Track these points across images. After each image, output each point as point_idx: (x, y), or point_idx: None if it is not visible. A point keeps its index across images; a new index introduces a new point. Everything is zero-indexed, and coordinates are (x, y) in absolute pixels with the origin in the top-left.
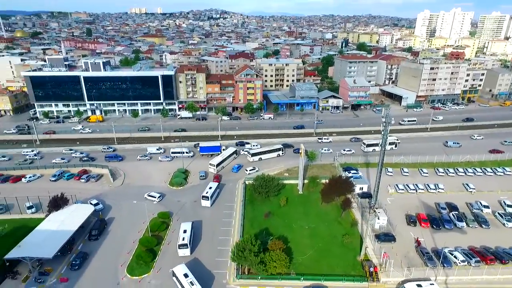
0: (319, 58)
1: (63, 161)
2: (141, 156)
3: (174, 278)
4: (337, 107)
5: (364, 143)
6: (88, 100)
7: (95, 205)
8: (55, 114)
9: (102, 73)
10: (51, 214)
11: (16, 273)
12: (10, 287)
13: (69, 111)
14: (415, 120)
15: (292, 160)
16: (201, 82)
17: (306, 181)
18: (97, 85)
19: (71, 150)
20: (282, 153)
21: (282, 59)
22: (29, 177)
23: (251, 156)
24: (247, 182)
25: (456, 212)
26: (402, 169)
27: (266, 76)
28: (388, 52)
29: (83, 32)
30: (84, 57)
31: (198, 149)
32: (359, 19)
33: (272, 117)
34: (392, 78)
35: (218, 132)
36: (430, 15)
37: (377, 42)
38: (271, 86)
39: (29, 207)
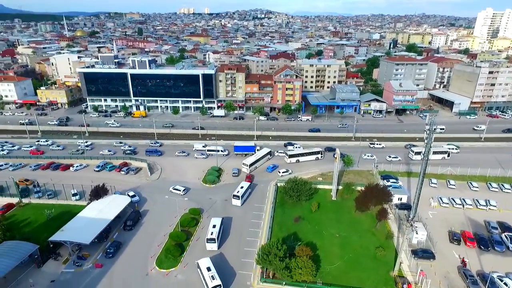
0: (363, 60)
1: (109, 153)
2: (179, 152)
3: (198, 269)
4: (380, 111)
5: (412, 150)
6: (133, 96)
7: (132, 197)
8: (104, 108)
9: (147, 71)
10: (92, 203)
11: (58, 255)
12: (52, 267)
13: (116, 106)
14: (443, 129)
15: (329, 165)
16: (240, 81)
17: (340, 187)
18: (142, 82)
19: (120, 143)
20: (321, 157)
21: (323, 60)
22: (76, 166)
23: (288, 157)
24: (279, 184)
25: (510, 234)
26: (448, 181)
27: (306, 77)
28: (441, 54)
29: (135, 32)
30: (134, 55)
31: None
32: (411, 19)
33: (310, 119)
34: (443, 82)
35: (254, 132)
36: (493, 13)
37: (430, 43)
38: (311, 87)
39: (74, 194)
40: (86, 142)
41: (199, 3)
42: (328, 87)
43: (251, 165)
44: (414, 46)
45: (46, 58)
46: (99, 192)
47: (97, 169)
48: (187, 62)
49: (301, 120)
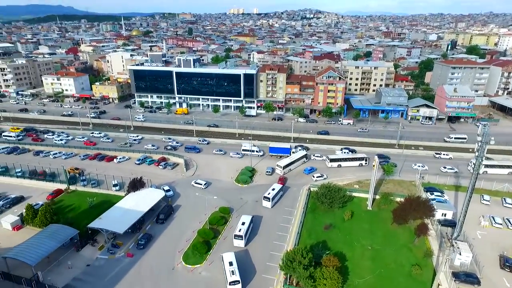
0: (416, 62)
1: (153, 147)
2: (216, 151)
3: (222, 263)
4: (430, 118)
5: (471, 162)
6: (177, 94)
7: (167, 191)
8: (150, 104)
9: (190, 69)
10: (129, 194)
11: (95, 241)
12: (89, 252)
13: (161, 102)
14: (465, 138)
15: (369, 172)
16: (281, 82)
17: (377, 196)
18: (186, 80)
19: (169, 139)
20: (366, 163)
21: (370, 62)
22: (119, 159)
23: (329, 161)
24: (312, 189)
25: None
26: (504, 199)
27: (351, 79)
28: (508, 57)
29: (185, 31)
30: (182, 54)
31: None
32: (475, 18)
33: (351, 123)
34: (508, 88)
35: (291, 134)
36: None
37: (495, 45)
38: (356, 90)
39: (114, 185)
40: (137, 136)
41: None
42: (373, 91)
43: (285, 167)
44: (476, 48)
45: (103, 55)
46: (136, 185)
47: (137, 162)
48: (230, 61)
49: (341, 124)
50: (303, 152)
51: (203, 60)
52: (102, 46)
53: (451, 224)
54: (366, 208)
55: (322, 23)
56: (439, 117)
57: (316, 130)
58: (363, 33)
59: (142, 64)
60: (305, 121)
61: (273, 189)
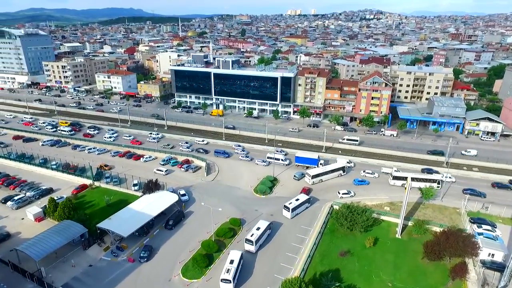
0: (485, 68)
1: (187, 149)
2: (243, 156)
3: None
4: (493, 134)
5: None
6: (214, 95)
7: (182, 195)
8: (188, 104)
9: (228, 71)
10: (143, 196)
11: (102, 241)
12: (94, 252)
13: (199, 103)
14: (357, 140)
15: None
16: (320, 86)
17: (410, 223)
18: (223, 82)
19: (207, 143)
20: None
21: (425, 67)
22: (146, 158)
23: (393, 179)
24: (335, 207)
25: None
26: None
27: (401, 85)
28: None
29: (239, 33)
30: (230, 54)
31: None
32: None
33: (394, 135)
34: None
35: (323, 143)
36: None
37: None
38: (406, 97)
39: (134, 185)
40: (157, 134)
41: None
42: (427, 99)
43: (315, 176)
44: None
45: (154, 55)
46: (151, 187)
47: (162, 163)
48: (276, 63)
49: (383, 135)
50: (342, 163)
51: (249, 61)
52: (157, 46)
53: (499, 268)
54: (394, 235)
55: (382, 24)
56: (505, 133)
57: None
58: (427, 35)
59: (183, 64)
60: (342, 129)
61: (297, 200)
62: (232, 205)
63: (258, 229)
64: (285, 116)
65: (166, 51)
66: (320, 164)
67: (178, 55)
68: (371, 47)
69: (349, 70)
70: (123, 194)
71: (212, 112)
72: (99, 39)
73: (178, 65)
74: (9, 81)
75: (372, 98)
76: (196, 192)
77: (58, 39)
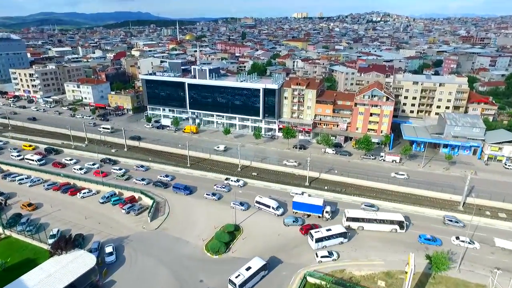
0: (502, 75)
1: (142, 182)
2: (208, 194)
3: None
4: None
5: None
6: (189, 108)
7: (108, 255)
8: (162, 118)
9: (203, 81)
10: (48, 261)
11: None
12: None
13: (174, 117)
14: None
15: (410, 251)
16: (310, 100)
17: None
18: (198, 93)
19: (142, 166)
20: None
21: (434, 77)
22: (84, 193)
23: (346, 220)
24: (308, 279)
25: None
26: None
27: (406, 98)
28: None
29: (239, 36)
30: (224, 59)
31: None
32: None
33: (397, 161)
34: None
35: (307, 172)
36: None
37: None
38: (411, 112)
39: (52, 236)
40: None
41: (314, 8)
42: (436, 114)
43: (319, 240)
44: None
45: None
46: (61, 246)
47: (101, 201)
48: (272, 69)
49: (384, 160)
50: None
51: (244, 67)
52: (149, 50)
53: None
54: None
55: (389, 26)
56: None
57: (347, 166)
58: (436, 37)
59: (154, 73)
60: (334, 152)
61: (248, 269)
62: (170, 273)
63: (248, 269)
64: (268, 135)
65: (153, 56)
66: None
67: (161, 61)
68: (375, 51)
69: (348, 78)
70: (35, 250)
71: (184, 129)
72: (95, 43)
73: (150, 74)
74: None
75: (371, 114)
76: (131, 247)
77: (54, 44)
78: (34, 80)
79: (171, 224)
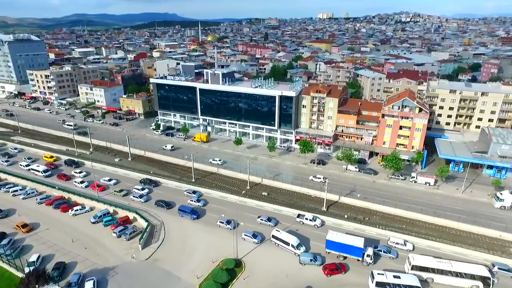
0: None
1: (139, 200)
2: (222, 221)
3: None
4: None
5: None
6: (201, 115)
7: None
8: (173, 124)
9: (214, 86)
10: None
11: None
12: None
13: (185, 124)
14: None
15: None
16: (331, 109)
17: None
18: (210, 99)
19: (191, 193)
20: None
21: (476, 85)
22: (76, 210)
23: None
24: None
25: None
26: None
27: (441, 108)
28: None
29: (262, 37)
30: (243, 62)
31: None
32: None
33: (431, 183)
34: None
35: (324, 194)
36: None
37: None
38: (447, 124)
39: (29, 264)
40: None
41: (340, 8)
42: (477, 127)
43: (381, 285)
44: None
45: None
46: (31, 282)
47: (93, 220)
48: (292, 72)
49: (415, 182)
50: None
51: (264, 69)
52: (169, 51)
53: None
54: None
55: (419, 27)
56: None
57: (371, 188)
58: (471, 39)
59: (165, 76)
60: (357, 169)
61: None
62: None
63: None
64: (283, 146)
65: (171, 58)
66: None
67: (177, 64)
68: (405, 53)
69: (374, 84)
70: (10, 279)
71: (194, 137)
72: (119, 44)
73: (161, 77)
74: None
75: (401, 127)
76: (115, 281)
77: (80, 44)
78: (49, 81)
79: (164, 253)
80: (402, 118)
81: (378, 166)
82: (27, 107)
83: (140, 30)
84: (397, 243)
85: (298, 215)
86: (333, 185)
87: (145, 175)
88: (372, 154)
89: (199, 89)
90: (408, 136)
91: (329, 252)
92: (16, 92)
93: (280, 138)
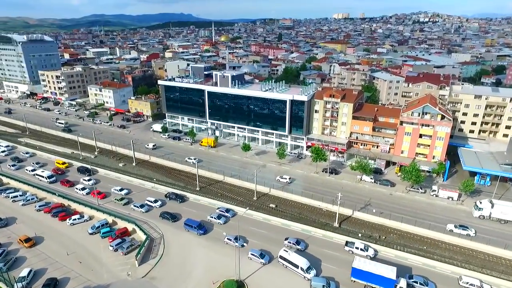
0: None
1: (140, 210)
2: (230, 239)
3: None
4: None
5: None
6: (209, 118)
7: None
8: (181, 128)
9: (223, 89)
10: None
11: None
12: None
13: (193, 127)
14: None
15: None
16: (345, 115)
17: None
18: (218, 102)
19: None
20: None
21: (504, 90)
22: (74, 219)
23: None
24: None
25: None
26: None
27: (464, 114)
28: None
29: (276, 37)
30: (255, 62)
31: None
32: None
33: (454, 198)
34: None
35: (337, 208)
36: None
37: None
38: (471, 132)
39: (20, 279)
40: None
41: (355, 8)
42: (505, 136)
43: None
44: None
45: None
46: None
47: (91, 231)
48: (305, 74)
49: (436, 196)
50: None
51: (276, 71)
52: (182, 52)
53: None
54: None
55: (438, 27)
56: None
57: (388, 201)
58: (494, 40)
59: (173, 78)
60: (372, 180)
61: None
62: None
63: None
64: (294, 153)
65: (182, 59)
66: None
67: (188, 65)
68: (423, 54)
69: (391, 87)
70: None
71: (202, 142)
72: (133, 44)
73: (169, 79)
74: (13, 90)
75: (421, 135)
76: None
77: (96, 44)
78: (60, 82)
79: (162, 271)
80: (423, 125)
81: (396, 177)
82: (37, 107)
83: (155, 31)
84: (471, 285)
85: (347, 243)
86: (346, 197)
87: (169, 188)
88: (389, 163)
89: (208, 91)
90: (428, 145)
91: (354, 281)
92: (29, 92)
93: (290, 144)
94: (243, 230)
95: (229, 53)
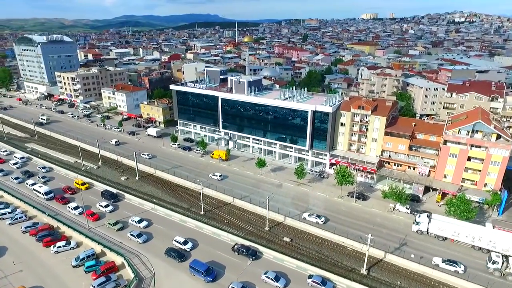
0: None
1: (137, 240)
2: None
3: None
4: None
5: None
6: (222, 128)
7: None
8: (193, 136)
9: (237, 96)
10: None
11: None
12: None
13: (205, 136)
14: None
15: None
16: (376, 130)
17: None
18: (233, 111)
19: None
20: None
21: None
22: (58, 247)
23: None
24: None
25: None
26: None
27: None
28: None
29: (301, 38)
30: (278, 65)
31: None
32: None
33: None
34: None
35: (366, 249)
36: None
37: None
38: None
39: None
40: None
41: (385, 8)
42: None
43: None
44: None
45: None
46: None
47: (74, 263)
48: (329, 78)
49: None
50: None
51: (300, 74)
52: (203, 53)
53: None
54: None
55: (476, 28)
56: None
57: (429, 242)
58: None
59: (186, 83)
60: (408, 211)
61: None
62: None
63: None
64: (315, 172)
65: (202, 60)
66: None
67: (206, 67)
68: (461, 57)
69: (428, 95)
70: None
71: (213, 154)
72: (156, 44)
73: (181, 84)
74: (33, 91)
75: (470, 158)
76: None
77: (121, 45)
78: (75, 84)
79: None
80: (472, 146)
81: (437, 206)
82: (52, 109)
83: (180, 31)
84: None
85: None
86: (376, 233)
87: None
88: (428, 189)
89: (221, 98)
90: (479, 170)
91: None
92: (46, 94)
93: (311, 161)
94: (250, 274)
95: (250, 54)
